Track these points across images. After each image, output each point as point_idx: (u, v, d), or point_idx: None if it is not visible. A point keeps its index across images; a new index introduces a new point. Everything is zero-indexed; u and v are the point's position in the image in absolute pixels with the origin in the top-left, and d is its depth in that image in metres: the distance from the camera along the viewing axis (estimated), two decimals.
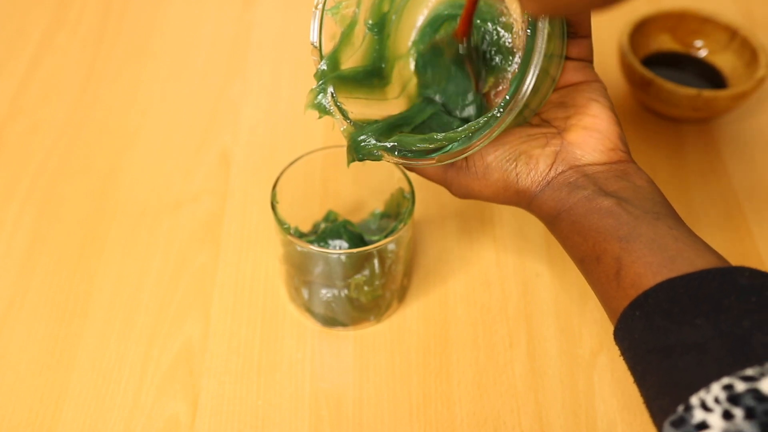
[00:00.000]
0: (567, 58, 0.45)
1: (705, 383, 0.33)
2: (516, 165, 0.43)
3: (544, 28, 0.40)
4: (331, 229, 0.55)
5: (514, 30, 0.48)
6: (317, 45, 0.47)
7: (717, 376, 0.33)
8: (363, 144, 0.45)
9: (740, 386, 0.32)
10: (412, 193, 0.52)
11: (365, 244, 0.55)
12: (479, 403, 0.52)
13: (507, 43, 0.48)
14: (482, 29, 0.49)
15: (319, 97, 0.46)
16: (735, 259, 0.59)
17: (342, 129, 0.46)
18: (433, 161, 0.43)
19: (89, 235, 0.61)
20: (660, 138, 0.68)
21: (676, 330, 0.35)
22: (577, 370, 0.53)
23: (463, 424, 0.51)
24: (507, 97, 0.41)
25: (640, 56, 0.70)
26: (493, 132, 0.41)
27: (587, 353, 0.54)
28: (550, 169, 0.43)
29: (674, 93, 0.64)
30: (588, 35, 0.45)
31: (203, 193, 0.64)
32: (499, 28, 0.48)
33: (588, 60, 0.45)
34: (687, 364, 0.34)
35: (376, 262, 0.51)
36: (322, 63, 0.46)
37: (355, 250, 0.50)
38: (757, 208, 0.63)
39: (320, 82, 0.46)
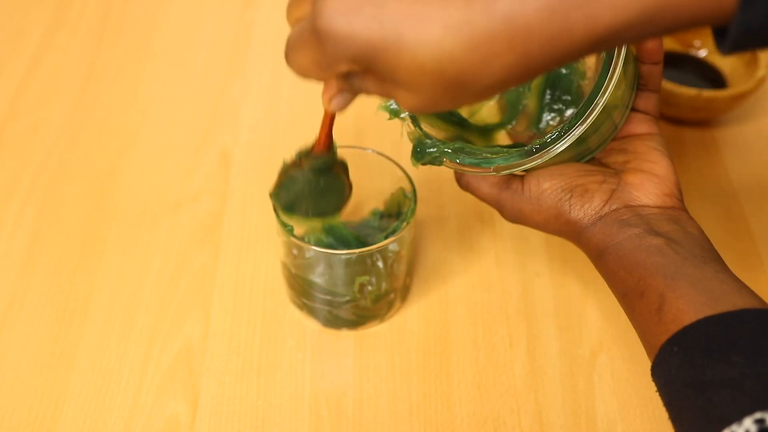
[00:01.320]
0: (633, 109, 0.47)
1: (738, 417, 0.33)
2: (571, 196, 0.44)
3: (617, 68, 0.42)
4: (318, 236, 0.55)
5: (587, 76, 0.50)
6: None
7: (750, 411, 0.33)
8: (428, 149, 0.46)
9: None
10: (414, 192, 0.52)
11: (360, 245, 0.55)
12: (479, 403, 0.52)
13: (577, 89, 0.51)
14: (558, 72, 0.51)
15: (392, 102, 0.47)
16: (735, 259, 0.59)
17: (408, 132, 0.48)
18: (490, 170, 0.44)
19: (89, 235, 0.61)
20: None
21: (712, 366, 0.35)
22: (577, 370, 0.53)
23: (463, 424, 0.51)
24: (568, 124, 0.43)
25: None
26: (551, 150, 0.43)
27: (587, 353, 0.54)
28: (604, 205, 0.44)
29: (674, 93, 0.64)
30: (657, 90, 0.47)
31: (203, 193, 0.64)
32: (573, 75, 0.51)
33: (653, 114, 0.47)
34: (721, 399, 0.35)
35: (379, 261, 0.51)
36: None
37: (357, 250, 0.49)
38: (757, 208, 0.63)
39: None
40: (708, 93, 0.64)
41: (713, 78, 0.70)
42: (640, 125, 0.47)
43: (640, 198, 0.44)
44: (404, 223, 0.50)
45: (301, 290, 0.53)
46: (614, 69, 0.42)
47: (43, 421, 0.51)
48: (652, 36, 0.31)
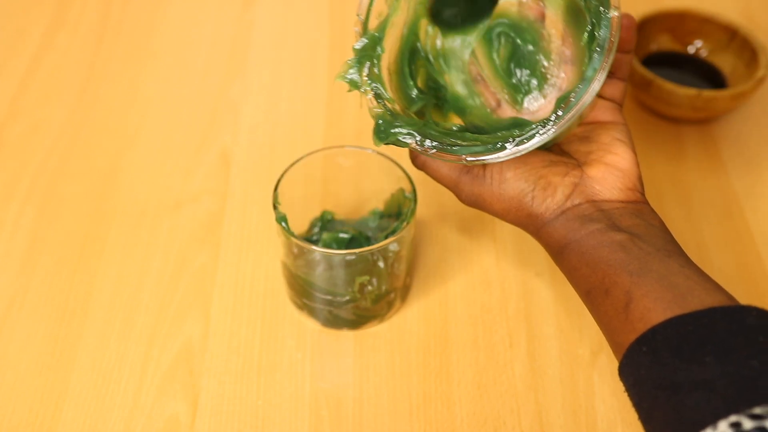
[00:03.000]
0: (599, 95, 0.45)
1: (713, 420, 0.33)
2: (534, 188, 0.43)
3: (608, 64, 0.40)
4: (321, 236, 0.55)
5: (552, 57, 0.48)
6: (363, 18, 0.46)
7: (725, 414, 0.33)
8: (392, 129, 0.44)
9: (748, 424, 0.32)
10: (414, 192, 0.52)
11: (363, 244, 0.55)
12: (479, 403, 0.52)
13: (542, 68, 0.49)
14: (520, 48, 0.49)
15: (351, 72, 0.45)
16: (734, 259, 0.59)
17: (370, 108, 0.45)
18: (461, 158, 0.43)
19: (89, 235, 0.61)
20: (660, 138, 0.68)
21: (684, 368, 0.35)
22: (577, 370, 0.53)
23: (463, 424, 0.51)
24: (554, 117, 0.41)
25: (640, 56, 0.70)
26: (530, 144, 0.41)
27: (587, 353, 0.54)
28: (566, 200, 0.43)
29: (674, 93, 0.64)
30: (624, 79, 0.46)
31: (203, 193, 0.64)
32: (539, 53, 0.49)
33: (619, 102, 0.46)
34: (695, 401, 0.34)
35: (380, 261, 0.51)
36: (361, 39, 0.46)
37: (358, 250, 0.49)
38: (757, 208, 0.63)
39: (357, 57, 0.45)
40: (708, 93, 0.64)
41: (713, 78, 0.70)
42: (605, 113, 0.46)
43: (602, 192, 0.43)
44: (404, 223, 0.50)
45: (301, 290, 0.53)
46: (604, 66, 0.40)
47: (43, 421, 0.51)
48: None
